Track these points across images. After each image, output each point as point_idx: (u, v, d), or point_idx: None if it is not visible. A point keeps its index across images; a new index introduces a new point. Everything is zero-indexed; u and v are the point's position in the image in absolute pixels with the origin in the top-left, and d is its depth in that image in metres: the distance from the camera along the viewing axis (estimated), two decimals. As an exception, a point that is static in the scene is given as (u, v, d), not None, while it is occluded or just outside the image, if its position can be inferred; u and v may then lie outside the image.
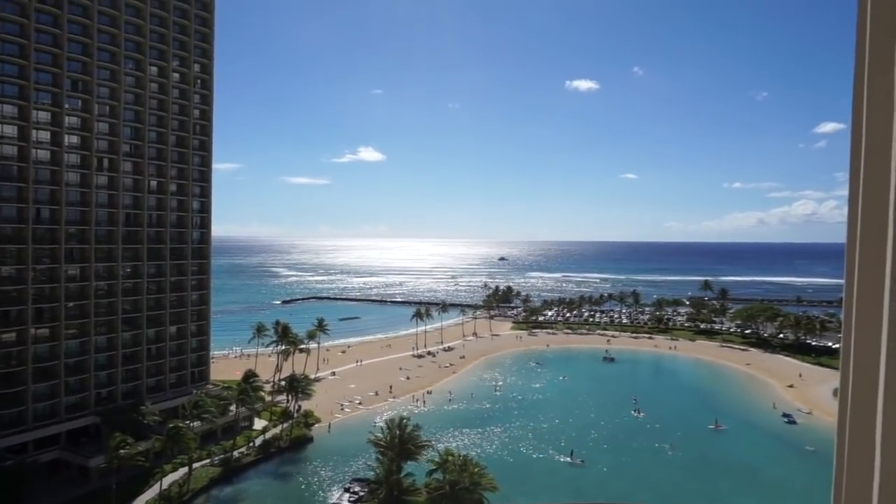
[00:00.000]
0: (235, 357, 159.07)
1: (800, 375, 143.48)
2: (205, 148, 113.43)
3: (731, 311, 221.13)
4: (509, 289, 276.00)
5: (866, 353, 3.14)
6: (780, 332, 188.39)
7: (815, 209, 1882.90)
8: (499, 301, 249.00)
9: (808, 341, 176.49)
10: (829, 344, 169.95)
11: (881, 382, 2.88)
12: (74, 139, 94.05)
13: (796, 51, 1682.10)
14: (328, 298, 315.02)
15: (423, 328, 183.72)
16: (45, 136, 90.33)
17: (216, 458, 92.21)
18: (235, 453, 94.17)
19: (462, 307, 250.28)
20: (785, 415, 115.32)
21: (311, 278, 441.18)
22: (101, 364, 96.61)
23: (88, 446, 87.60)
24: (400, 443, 77.96)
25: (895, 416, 2.82)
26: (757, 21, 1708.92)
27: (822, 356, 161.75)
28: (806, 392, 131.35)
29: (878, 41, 3.14)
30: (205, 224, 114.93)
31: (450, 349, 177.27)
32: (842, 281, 3.59)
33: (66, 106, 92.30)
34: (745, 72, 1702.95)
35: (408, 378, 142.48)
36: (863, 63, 3.26)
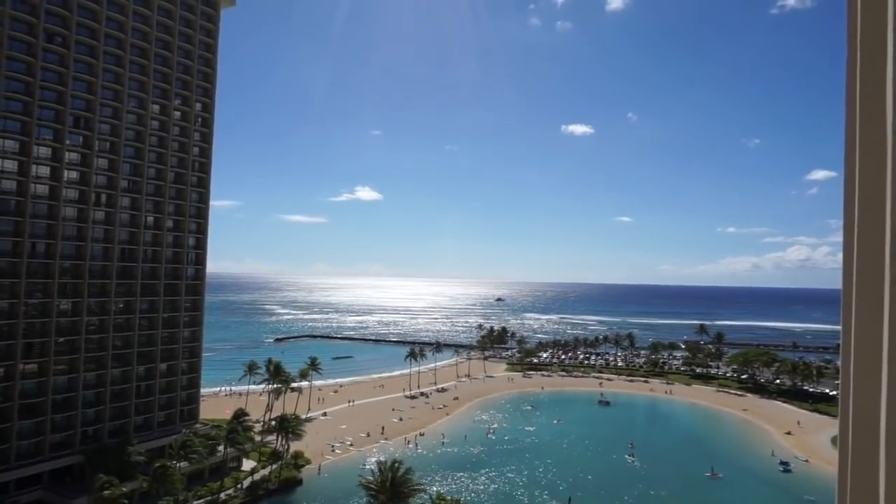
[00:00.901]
0: (226, 395, 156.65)
1: (798, 423, 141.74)
2: (203, 185, 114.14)
3: (727, 355, 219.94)
4: (504, 330, 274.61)
5: (865, 401, 3.10)
6: (777, 378, 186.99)
7: (809, 255, 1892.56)
8: (493, 342, 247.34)
9: (805, 387, 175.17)
10: (827, 390, 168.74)
11: (882, 432, 2.83)
12: (73, 174, 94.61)
13: (787, 100, 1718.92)
14: (322, 337, 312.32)
15: (417, 368, 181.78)
16: (44, 171, 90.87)
17: (202, 499, 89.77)
18: (222, 495, 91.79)
19: (456, 348, 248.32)
20: (782, 462, 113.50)
21: (305, 316, 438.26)
22: (88, 401, 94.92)
23: (72, 487, 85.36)
24: (392, 486, 76.25)
25: (897, 466, 2.77)
26: (749, 70, 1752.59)
27: (819, 403, 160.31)
28: (804, 439, 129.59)
29: (869, 90, 3.21)
30: (200, 260, 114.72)
31: (443, 390, 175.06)
32: (838, 327, 3.57)
33: (68, 142, 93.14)
34: (737, 119, 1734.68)
35: (400, 419, 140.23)
36: (854, 111, 3.31)
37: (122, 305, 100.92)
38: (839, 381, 3.50)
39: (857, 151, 3.26)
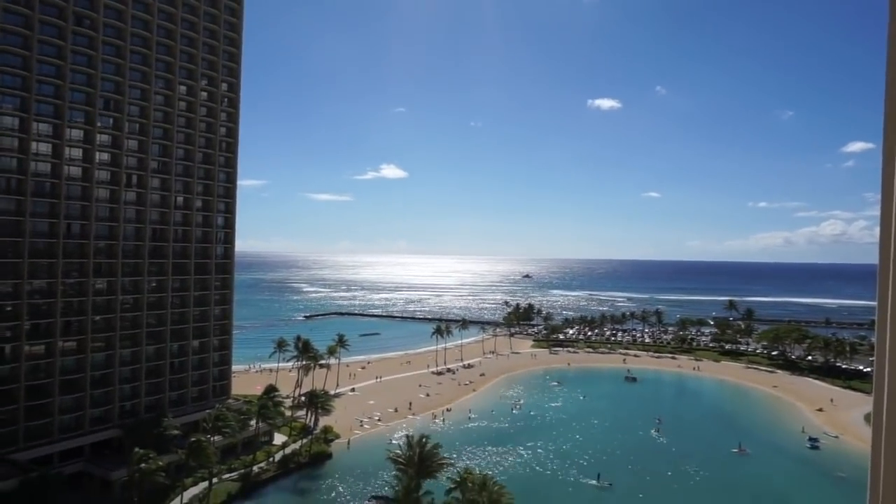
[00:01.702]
0: (256, 372, 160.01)
1: (831, 400, 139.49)
2: (230, 165, 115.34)
3: (757, 332, 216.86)
4: (530, 306, 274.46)
5: (901, 377, 3.05)
6: (809, 355, 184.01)
7: (844, 229, 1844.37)
8: (519, 319, 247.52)
9: (839, 364, 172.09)
10: (861, 367, 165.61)
11: (917, 408, 2.79)
12: (105, 156, 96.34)
13: (823, 70, 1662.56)
14: (349, 314, 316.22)
15: (444, 345, 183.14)
16: (77, 153, 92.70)
17: (236, 472, 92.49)
18: (255, 468, 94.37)
19: (483, 324, 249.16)
20: (810, 439, 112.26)
21: (332, 294, 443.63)
22: (125, 377, 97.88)
23: (111, 459, 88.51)
24: (419, 460, 77.38)
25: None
26: (782, 39, 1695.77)
27: (853, 380, 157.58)
28: (836, 416, 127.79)
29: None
30: (229, 239, 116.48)
31: (469, 366, 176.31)
32: (873, 303, 3.50)
33: (99, 124, 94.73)
34: (770, 91, 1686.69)
35: (427, 395, 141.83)
36: (894, 79, 3.20)
37: (154, 284, 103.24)
38: (874, 358, 3.44)
39: (897, 122, 3.16)
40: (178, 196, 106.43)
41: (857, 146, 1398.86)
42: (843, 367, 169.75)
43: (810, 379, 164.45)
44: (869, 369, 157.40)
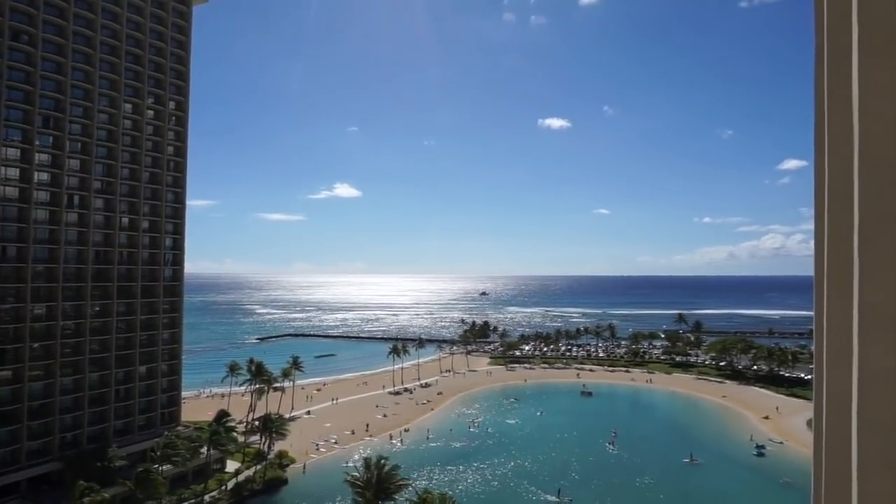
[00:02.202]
0: (208, 397, 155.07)
1: (777, 408, 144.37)
2: (178, 185, 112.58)
3: (705, 343, 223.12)
4: (486, 324, 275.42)
5: (838, 383, 3.19)
6: (755, 364, 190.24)
7: (782, 243, 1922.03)
8: (476, 336, 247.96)
9: (782, 373, 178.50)
10: (802, 375, 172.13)
11: (854, 412, 2.92)
12: (44, 176, 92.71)
13: (758, 91, 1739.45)
14: (304, 335, 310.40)
15: (400, 365, 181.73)
16: (13, 173, 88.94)
17: (187, 502, 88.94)
18: (207, 497, 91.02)
19: (439, 343, 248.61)
20: (757, 446, 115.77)
21: (286, 315, 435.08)
22: (66, 407, 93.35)
23: (50, 494, 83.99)
24: (377, 482, 76.29)
25: (870, 445, 2.86)
26: (721, 62, 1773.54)
27: (796, 387, 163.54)
28: (780, 423, 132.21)
29: (836, 81, 3.28)
30: (178, 261, 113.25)
31: (427, 385, 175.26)
32: (811, 313, 3.65)
33: (37, 143, 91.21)
34: (710, 111, 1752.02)
35: (385, 416, 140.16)
36: (822, 102, 3.39)
37: (98, 309, 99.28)
38: (813, 366, 3.59)
39: (826, 141, 3.34)
40: (123, 217, 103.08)
41: (791, 163, 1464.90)
42: (787, 375, 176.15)
43: (757, 388, 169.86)
44: (810, 377, 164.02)
